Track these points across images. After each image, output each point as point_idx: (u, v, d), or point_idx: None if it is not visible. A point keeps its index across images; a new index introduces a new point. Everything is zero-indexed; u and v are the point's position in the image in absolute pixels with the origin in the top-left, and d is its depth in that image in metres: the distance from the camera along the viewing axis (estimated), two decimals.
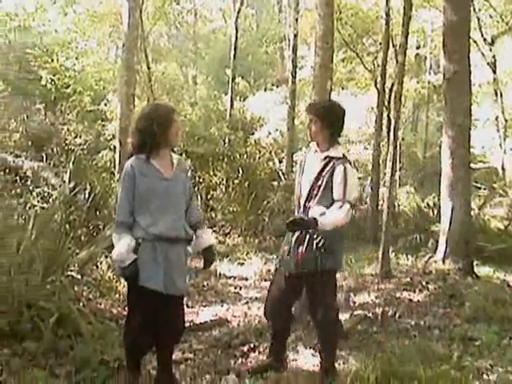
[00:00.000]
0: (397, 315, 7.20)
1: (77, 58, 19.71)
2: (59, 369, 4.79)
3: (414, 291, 8.39)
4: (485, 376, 5.08)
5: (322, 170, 4.70)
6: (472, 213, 10.52)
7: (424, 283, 8.70)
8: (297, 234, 4.81)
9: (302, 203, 4.81)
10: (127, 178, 4.37)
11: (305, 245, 4.72)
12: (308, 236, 4.71)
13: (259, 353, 5.78)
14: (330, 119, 4.79)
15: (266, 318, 5.37)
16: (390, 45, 14.20)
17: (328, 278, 4.80)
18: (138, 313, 4.42)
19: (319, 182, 4.68)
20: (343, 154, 4.82)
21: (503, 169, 18.21)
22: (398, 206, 15.16)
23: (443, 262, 9.58)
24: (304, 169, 4.95)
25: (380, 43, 15.77)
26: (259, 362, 5.45)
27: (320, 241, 4.64)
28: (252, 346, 5.98)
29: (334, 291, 4.97)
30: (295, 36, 17.31)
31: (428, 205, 14.24)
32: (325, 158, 4.73)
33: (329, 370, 4.84)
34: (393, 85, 13.92)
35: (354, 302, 7.93)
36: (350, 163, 4.78)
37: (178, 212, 4.47)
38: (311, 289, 4.80)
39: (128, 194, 4.36)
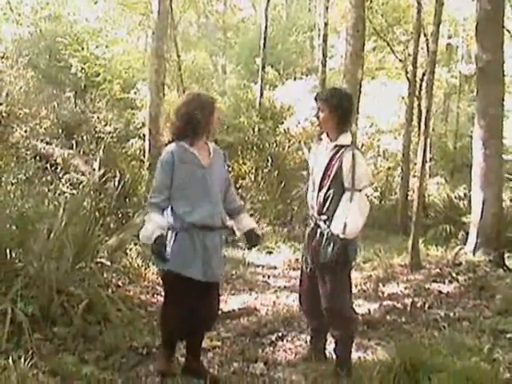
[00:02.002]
0: (426, 306, 7.14)
1: (107, 47, 19.71)
2: (88, 354, 4.82)
3: (444, 282, 8.33)
4: None
5: (332, 158, 4.63)
6: (504, 204, 10.41)
7: (454, 274, 8.63)
8: (309, 228, 4.80)
9: (316, 194, 4.76)
10: (166, 164, 4.37)
11: (317, 238, 4.69)
12: (319, 229, 4.68)
13: (287, 341, 5.76)
14: (337, 107, 4.70)
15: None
16: (422, 34, 14.06)
17: (340, 271, 4.70)
18: (176, 299, 4.43)
19: (329, 172, 4.62)
20: (352, 142, 4.77)
21: None
22: (428, 196, 15.07)
23: (474, 253, 9.49)
24: (316, 159, 4.92)
25: (411, 32, 15.65)
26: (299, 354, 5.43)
27: (329, 233, 4.59)
28: (280, 334, 5.96)
29: (346, 284, 4.83)
30: (325, 25, 17.17)
31: (458, 196, 14.15)
32: (334, 147, 4.67)
33: (343, 365, 4.77)
34: (424, 74, 13.82)
35: (383, 293, 7.90)
36: (359, 150, 4.74)
37: (215, 200, 4.47)
38: (322, 281, 4.74)
39: (166, 179, 4.37)
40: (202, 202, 4.38)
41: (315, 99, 4.85)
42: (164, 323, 4.61)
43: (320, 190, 4.69)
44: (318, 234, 4.67)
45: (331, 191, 4.61)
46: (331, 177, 4.60)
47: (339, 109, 4.70)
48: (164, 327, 4.62)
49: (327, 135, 4.81)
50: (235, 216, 4.75)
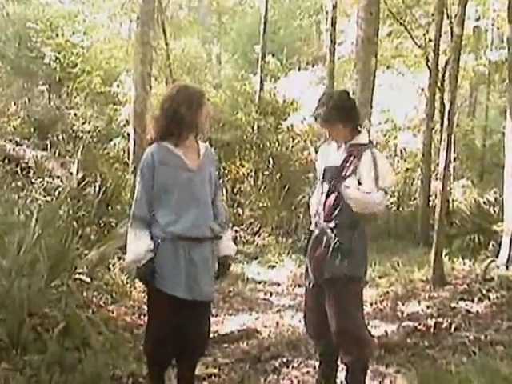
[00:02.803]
0: (452, 328, 7.11)
1: (85, 33, 19.70)
2: None
3: (473, 300, 8.30)
4: None
5: (346, 159, 4.62)
6: None
7: (484, 291, 8.61)
8: (313, 237, 4.79)
9: (324, 198, 4.73)
10: (147, 167, 4.36)
11: (321, 248, 4.66)
12: (325, 238, 4.65)
13: (293, 368, 5.74)
14: (337, 117, 4.67)
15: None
16: (445, 16, 14.05)
17: (350, 286, 4.66)
18: (160, 320, 4.39)
19: (343, 173, 4.60)
20: (370, 140, 4.78)
21: None
22: (453, 201, 15.05)
23: (507, 267, 9.48)
24: (326, 160, 4.88)
25: (432, 14, 15.64)
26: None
27: (336, 242, 4.56)
28: (285, 360, 5.94)
29: (357, 301, 4.79)
30: (334, 7, 17.16)
31: (488, 201, 14.12)
32: (349, 147, 4.66)
33: None
34: (447, 62, 13.80)
35: (402, 312, 7.89)
36: (377, 149, 4.75)
37: (203, 207, 4.44)
38: (330, 299, 4.70)
39: (147, 185, 4.35)
40: (189, 210, 4.35)
41: (315, 119, 4.86)
42: (149, 348, 4.57)
43: (329, 194, 4.66)
44: (323, 244, 4.64)
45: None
46: (346, 178, 4.58)
47: (338, 116, 4.68)
48: (149, 352, 4.58)
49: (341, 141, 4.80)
50: None
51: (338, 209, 4.60)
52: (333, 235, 4.59)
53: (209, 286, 4.47)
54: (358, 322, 4.72)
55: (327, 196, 4.67)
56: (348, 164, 4.59)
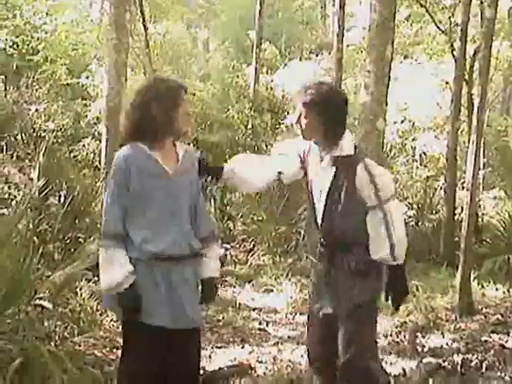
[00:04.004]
0: (484, 366, 7.10)
1: (48, 14, 19.73)
2: None
3: (508, 334, 8.29)
4: None
5: (336, 178, 4.61)
6: None
7: None
8: (323, 260, 4.82)
9: (319, 223, 4.76)
10: (119, 173, 4.31)
11: (339, 272, 4.69)
12: (342, 260, 4.66)
13: None
14: (325, 111, 4.62)
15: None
16: None
17: (360, 313, 4.66)
18: (138, 356, 4.33)
19: (335, 196, 4.61)
20: (355, 146, 4.73)
21: None
22: (483, 215, 15.06)
23: None
24: (309, 175, 4.87)
25: None
26: None
27: (356, 265, 4.56)
28: None
29: (375, 333, 4.85)
30: None
31: None
32: (335, 161, 4.62)
33: None
34: (476, 51, 13.84)
35: (423, 346, 7.86)
36: (368, 158, 4.68)
37: (183, 221, 4.43)
38: (343, 328, 4.69)
39: (120, 195, 4.30)
40: (166, 225, 4.34)
41: (294, 99, 4.83)
42: None
43: (328, 220, 4.71)
44: (340, 267, 4.64)
45: (347, 218, 4.61)
46: (342, 201, 4.59)
47: (327, 114, 4.62)
48: None
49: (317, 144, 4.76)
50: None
51: (345, 228, 4.61)
52: (351, 257, 4.60)
53: (194, 311, 4.44)
54: (374, 359, 4.72)
55: (325, 221, 4.70)
56: (340, 183, 4.59)
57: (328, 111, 4.60)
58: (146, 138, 4.33)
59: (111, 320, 7.43)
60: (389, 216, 4.48)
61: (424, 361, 7.18)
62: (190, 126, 4.83)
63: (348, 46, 18.85)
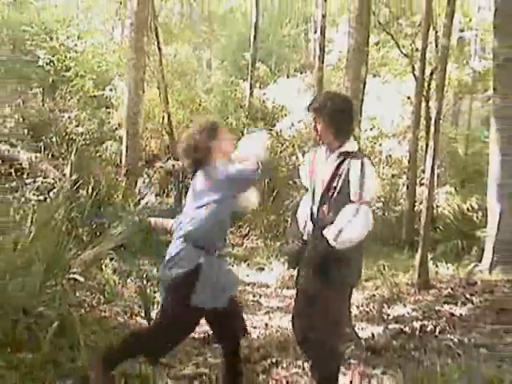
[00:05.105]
0: (437, 331, 7.10)
1: (79, 37, 19.68)
2: (59, 383, 4.75)
3: (457, 304, 8.31)
4: None
5: (337, 168, 4.48)
6: None
7: (468, 295, 8.62)
8: (308, 244, 4.68)
9: (315, 210, 4.63)
10: None
11: (317, 256, 4.52)
12: (320, 246, 4.48)
13: (282, 369, 5.71)
14: (334, 114, 4.53)
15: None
16: (431, 26, 14.11)
17: (339, 293, 4.59)
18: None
19: (334, 183, 4.47)
20: (359, 148, 4.68)
21: None
22: (437, 207, 15.07)
23: (490, 271, 9.52)
24: (315, 171, 4.76)
25: (419, 25, 15.68)
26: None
27: (332, 251, 4.41)
28: (274, 360, 5.89)
29: (344, 309, 4.77)
30: (323, 16, 17.20)
31: (471, 207, 14.14)
32: (339, 156, 4.53)
33: None
34: (432, 72, 13.86)
35: (388, 315, 7.87)
36: (369, 158, 4.60)
37: None
38: (312, 305, 4.57)
39: None
40: None
41: (308, 110, 4.74)
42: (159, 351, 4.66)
43: (321, 204, 4.57)
44: (318, 253, 4.54)
45: (337, 205, 4.46)
46: (337, 189, 4.46)
47: (337, 116, 4.55)
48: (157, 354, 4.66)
49: (327, 146, 4.68)
50: None
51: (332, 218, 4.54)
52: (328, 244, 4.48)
53: None
54: (338, 332, 4.66)
55: (320, 205, 4.62)
56: (339, 172, 4.46)
57: (335, 114, 4.55)
58: None
59: (130, 291, 7.44)
60: (357, 218, 4.42)
61: (389, 327, 7.20)
62: None
63: (327, 66, 18.79)
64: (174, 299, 4.44)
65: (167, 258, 4.41)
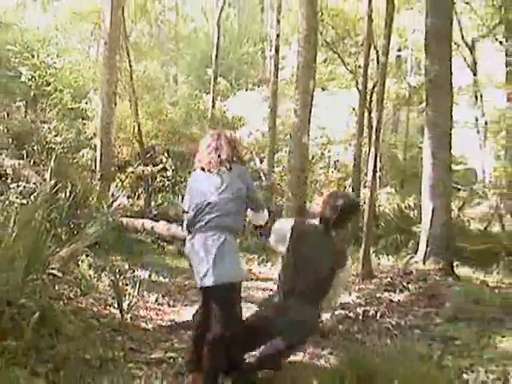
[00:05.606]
0: (378, 315, 7.21)
1: (58, 56, 19.51)
2: (40, 367, 4.74)
3: (395, 291, 8.44)
4: (465, 375, 5.10)
5: None
6: (452, 214, 10.61)
7: (405, 283, 8.75)
8: None
9: None
10: None
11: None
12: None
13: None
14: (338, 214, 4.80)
15: None
16: (372, 46, 14.24)
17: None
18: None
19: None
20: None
21: (483, 170, 18.32)
22: (379, 206, 15.21)
23: (424, 262, 9.65)
24: None
25: (361, 44, 15.83)
26: None
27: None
28: None
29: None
30: (277, 36, 17.31)
31: (409, 206, 14.32)
32: None
33: None
34: (374, 86, 14.00)
35: (335, 302, 7.93)
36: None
37: None
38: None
39: None
40: None
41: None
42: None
43: None
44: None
45: None
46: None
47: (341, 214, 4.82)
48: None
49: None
50: None
51: None
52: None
53: None
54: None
55: None
56: None
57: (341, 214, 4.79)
58: None
59: (104, 285, 7.41)
60: None
61: (336, 312, 7.27)
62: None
63: (281, 80, 18.87)
64: None
65: None
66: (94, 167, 13.79)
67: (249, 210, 4.76)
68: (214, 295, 4.45)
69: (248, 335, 4.62)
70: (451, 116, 10.05)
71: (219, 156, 4.65)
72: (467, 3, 18.06)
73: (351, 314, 7.20)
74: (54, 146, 14.87)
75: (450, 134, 10.00)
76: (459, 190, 15.61)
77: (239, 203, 4.54)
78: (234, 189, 4.51)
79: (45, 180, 9.78)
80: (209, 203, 4.48)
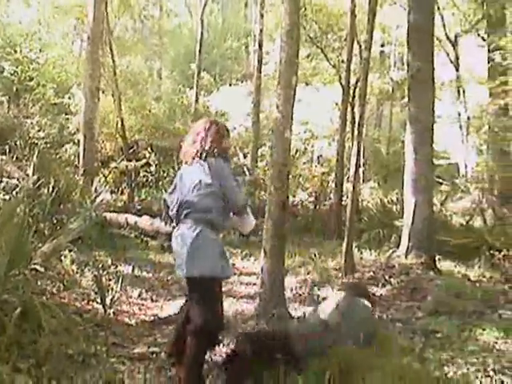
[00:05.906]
0: None
1: (41, 51, 19.41)
2: (22, 363, 4.73)
3: (378, 285, 8.48)
4: (445, 368, 5.15)
5: None
6: (434, 208, 10.66)
7: (387, 277, 8.80)
8: None
9: None
10: None
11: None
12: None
13: (223, 346, 5.76)
14: None
15: None
16: (355, 41, 14.26)
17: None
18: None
19: None
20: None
21: (465, 165, 18.42)
22: (362, 201, 15.27)
23: (406, 256, 9.69)
24: None
25: (345, 39, 15.85)
26: None
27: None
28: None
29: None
30: (261, 31, 17.31)
31: (391, 200, 14.39)
32: None
33: None
34: (357, 81, 14.03)
35: (318, 296, 7.97)
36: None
37: None
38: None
39: None
40: None
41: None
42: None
43: None
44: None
45: None
46: None
47: None
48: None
49: None
50: None
51: None
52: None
53: None
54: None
55: None
56: None
57: None
58: None
59: (87, 280, 7.40)
60: None
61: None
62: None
63: (265, 75, 18.88)
64: None
65: None
66: (77, 162, 13.75)
67: (232, 215, 4.78)
68: (191, 287, 4.56)
69: None
70: (433, 111, 10.09)
71: (202, 146, 4.65)
72: None
73: None
74: (36, 141, 14.80)
75: (432, 129, 10.05)
76: (441, 184, 15.69)
77: (215, 199, 4.54)
78: (207, 185, 4.52)
79: (27, 175, 9.73)
80: (186, 201, 4.54)
